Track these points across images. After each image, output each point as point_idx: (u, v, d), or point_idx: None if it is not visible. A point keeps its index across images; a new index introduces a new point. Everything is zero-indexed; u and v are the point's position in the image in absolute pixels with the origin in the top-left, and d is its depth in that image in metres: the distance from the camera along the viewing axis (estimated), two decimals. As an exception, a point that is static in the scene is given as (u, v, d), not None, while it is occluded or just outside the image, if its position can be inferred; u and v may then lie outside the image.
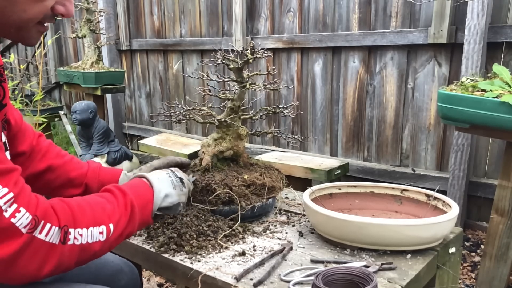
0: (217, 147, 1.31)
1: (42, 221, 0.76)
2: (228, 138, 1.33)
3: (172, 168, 1.09)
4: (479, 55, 2.27)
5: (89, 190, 1.18)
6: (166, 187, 1.01)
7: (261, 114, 1.40)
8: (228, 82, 1.35)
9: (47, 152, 1.16)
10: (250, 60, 1.27)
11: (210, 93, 1.39)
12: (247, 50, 1.27)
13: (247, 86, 1.30)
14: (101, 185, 1.17)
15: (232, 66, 1.27)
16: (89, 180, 1.18)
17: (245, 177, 1.24)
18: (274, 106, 1.41)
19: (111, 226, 0.86)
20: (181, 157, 1.31)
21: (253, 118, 1.39)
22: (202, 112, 1.36)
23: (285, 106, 1.40)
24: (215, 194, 1.19)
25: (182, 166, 1.28)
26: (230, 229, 1.16)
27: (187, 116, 1.34)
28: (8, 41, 5.71)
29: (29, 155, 1.12)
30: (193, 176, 1.19)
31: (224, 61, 1.28)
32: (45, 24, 0.84)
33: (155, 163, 1.24)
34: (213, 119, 1.33)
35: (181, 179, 1.06)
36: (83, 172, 1.18)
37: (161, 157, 1.29)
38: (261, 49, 1.30)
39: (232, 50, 1.30)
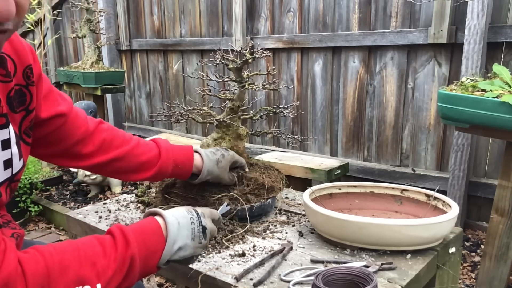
0: (217, 147, 1.31)
1: None
2: (227, 138, 1.33)
3: (200, 211, 0.91)
4: (479, 55, 2.27)
5: (163, 172, 1.13)
6: (183, 237, 0.84)
7: (261, 114, 1.40)
8: (228, 82, 1.35)
9: (112, 141, 1.09)
10: (250, 60, 1.27)
11: (210, 93, 1.39)
12: (246, 50, 1.27)
13: (246, 86, 1.30)
14: (176, 166, 1.13)
15: (231, 66, 1.27)
16: (163, 163, 1.12)
17: (247, 175, 1.25)
18: (275, 106, 1.41)
19: (98, 286, 0.73)
20: (241, 158, 1.26)
21: (253, 118, 1.39)
22: (202, 112, 1.36)
23: (285, 106, 1.40)
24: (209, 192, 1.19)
25: (238, 167, 1.25)
26: (231, 232, 1.16)
27: (187, 116, 1.34)
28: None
29: (88, 142, 1.06)
30: (227, 205, 1.07)
31: (223, 61, 1.28)
32: None
33: (236, 157, 1.20)
34: (212, 119, 1.33)
35: (204, 228, 0.88)
36: (154, 154, 1.12)
37: (229, 152, 1.23)
38: (261, 49, 1.30)
39: (232, 50, 1.30)
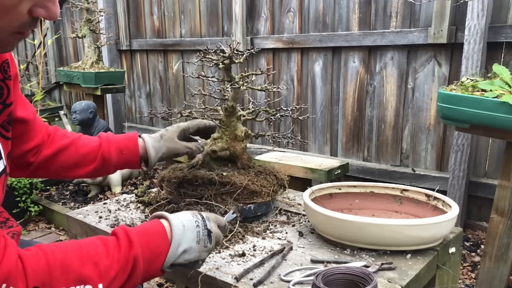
0: (211, 146, 1.31)
1: (4, 285, 0.66)
2: (225, 138, 1.32)
3: (205, 215, 0.89)
4: (479, 55, 2.27)
5: (107, 160, 1.11)
6: (189, 240, 0.83)
7: (262, 119, 1.40)
8: (224, 83, 1.35)
9: (54, 137, 1.10)
10: (237, 61, 1.26)
11: (205, 93, 1.38)
12: (235, 49, 1.25)
13: (238, 86, 1.29)
14: (120, 152, 1.11)
15: (220, 66, 1.27)
16: (104, 150, 1.10)
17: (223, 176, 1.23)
18: (277, 109, 1.41)
19: (100, 286, 0.73)
20: (208, 120, 1.23)
21: (255, 119, 1.38)
22: (205, 110, 1.36)
23: (287, 109, 1.40)
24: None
25: (209, 130, 1.22)
26: (232, 232, 1.16)
27: (190, 113, 1.34)
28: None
29: (38, 150, 1.07)
30: (233, 213, 1.04)
31: (203, 60, 1.27)
32: (26, 30, 0.70)
33: (182, 125, 1.17)
34: (211, 119, 1.33)
35: (209, 232, 0.86)
36: (95, 145, 1.11)
37: (175, 125, 1.20)
38: (247, 50, 1.29)
39: (222, 50, 1.28)
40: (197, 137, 1.25)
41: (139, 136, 1.16)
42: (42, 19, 0.74)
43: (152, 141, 1.14)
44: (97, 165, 1.11)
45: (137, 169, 1.21)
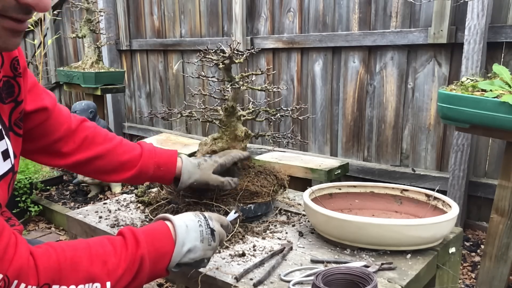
0: (211, 146, 1.31)
1: (16, 281, 0.66)
2: (225, 139, 1.32)
3: (207, 215, 0.92)
4: (479, 55, 2.27)
5: (144, 172, 1.12)
6: (192, 239, 0.86)
7: (262, 119, 1.40)
8: (224, 83, 1.35)
9: (94, 138, 1.09)
10: (237, 61, 1.25)
11: (205, 93, 1.38)
12: (235, 49, 1.25)
13: (238, 86, 1.29)
14: (157, 167, 1.12)
15: (221, 66, 1.26)
16: (143, 163, 1.11)
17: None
18: (277, 109, 1.41)
19: (108, 284, 0.75)
20: (242, 152, 1.25)
21: (255, 119, 1.38)
22: (205, 110, 1.36)
23: (287, 109, 1.40)
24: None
25: (244, 161, 1.25)
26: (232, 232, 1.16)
27: (189, 112, 1.34)
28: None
29: (70, 139, 1.05)
30: (235, 213, 1.06)
31: (203, 60, 1.27)
32: (12, 16, 0.64)
33: (220, 161, 1.19)
34: (212, 119, 1.33)
35: (212, 231, 0.89)
36: (135, 154, 1.11)
37: (226, 153, 1.24)
38: (247, 50, 1.29)
39: (222, 50, 1.28)
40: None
41: (179, 156, 1.18)
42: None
43: (189, 166, 1.16)
44: (133, 175, 1.12)
45: (168, 184, 1.23)
